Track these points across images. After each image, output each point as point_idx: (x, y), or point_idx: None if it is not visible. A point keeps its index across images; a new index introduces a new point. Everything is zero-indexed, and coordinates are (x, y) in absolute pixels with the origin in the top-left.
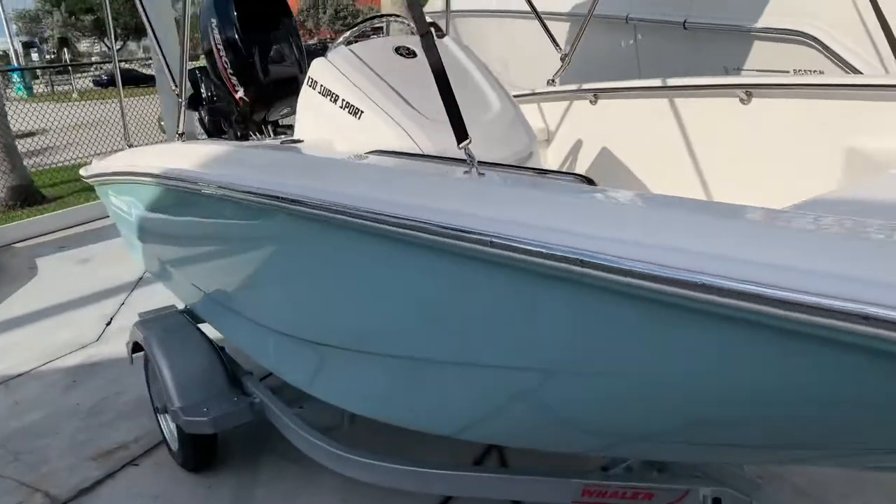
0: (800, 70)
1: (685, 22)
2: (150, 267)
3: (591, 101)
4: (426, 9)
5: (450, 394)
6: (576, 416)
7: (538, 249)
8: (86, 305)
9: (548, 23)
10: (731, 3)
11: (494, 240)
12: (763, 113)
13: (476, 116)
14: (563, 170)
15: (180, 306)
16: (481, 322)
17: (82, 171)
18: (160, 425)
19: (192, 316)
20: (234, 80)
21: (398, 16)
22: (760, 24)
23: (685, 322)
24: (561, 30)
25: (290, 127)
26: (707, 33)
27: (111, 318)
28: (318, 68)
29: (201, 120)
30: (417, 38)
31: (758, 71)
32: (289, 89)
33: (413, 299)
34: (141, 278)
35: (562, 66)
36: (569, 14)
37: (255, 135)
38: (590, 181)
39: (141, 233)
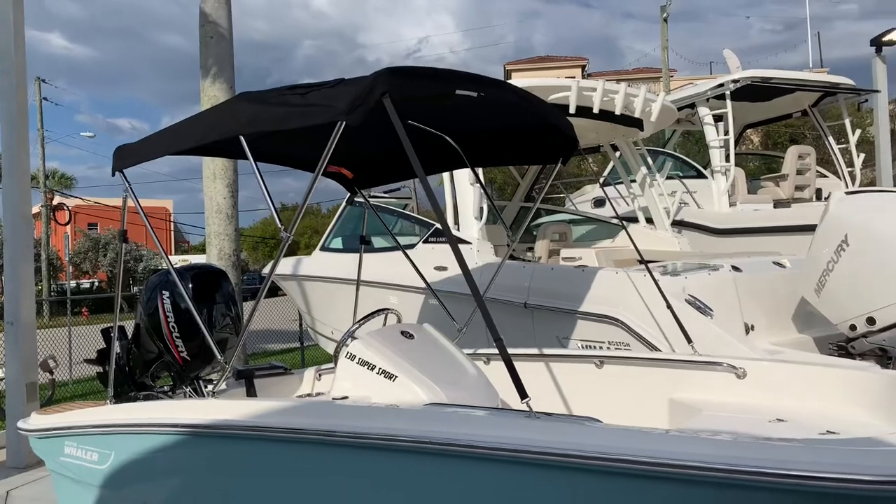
0: (613, 342)
1: (525, 303)
2: None
3: (484, 362)
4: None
5: None
6: None
7: (580, 456)
8: None
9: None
10: (559, 292)
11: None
12: (612, 376)
13: (459, 379)
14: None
15: None
16: None
17: (21, 424)
18: None
19: None
20: (178, 342)
21: (390, 309)
22: (582, 308)
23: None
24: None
25: (210, 381)
26: (542, 312)
27: None
28: (356, 347)
29: (102, 374)
30: (412, 323)
31: (581, 341)
32: (223, 349)
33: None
34: None
35: (459, 335)
36: (448, 292)
37: (184, 388)
38: (597, 420)
39: (119, 479)
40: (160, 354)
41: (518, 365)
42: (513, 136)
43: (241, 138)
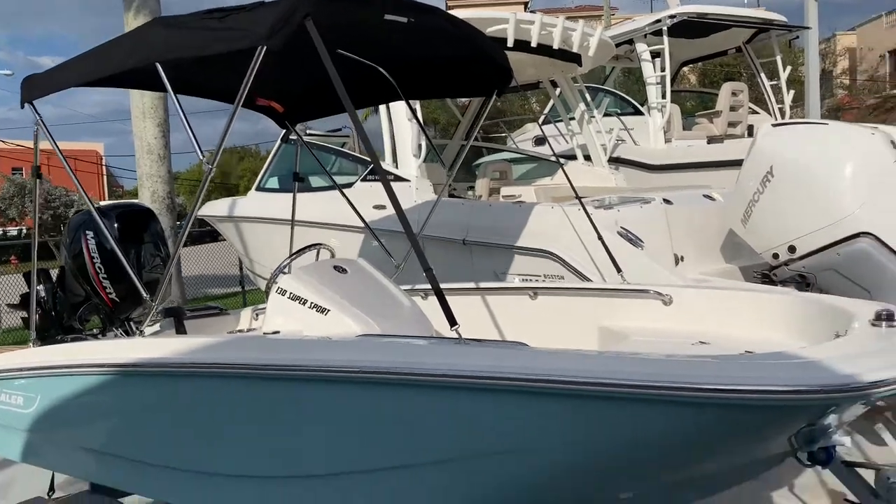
0: (549, 275)
1: (464, 239)
2: (44, 455)
3: (421, 297)
4: None
5: None
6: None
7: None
8: None
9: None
10: (496, 228)
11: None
12: (545, 306)
13: (396, 312)
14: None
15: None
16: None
17: None
18: None
19: (106, 491)
20: (105, 283)
21: (323, 244)
22: (518, 243)
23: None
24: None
25: (140, 322)
26: (481, 248)
27: None
28: (286, 281)
29: (27, 319)
30: (345, 258)
31: (519, 276)
32: (152, 291)
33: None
34: None
35: (396, 272)
36: (386, 230)
37: (115, 330)
38: (525, 344)
39: (46, 423)
40: (88, 297)
41: (454, 298)
42: (446, 65)
43: (158, 66)
